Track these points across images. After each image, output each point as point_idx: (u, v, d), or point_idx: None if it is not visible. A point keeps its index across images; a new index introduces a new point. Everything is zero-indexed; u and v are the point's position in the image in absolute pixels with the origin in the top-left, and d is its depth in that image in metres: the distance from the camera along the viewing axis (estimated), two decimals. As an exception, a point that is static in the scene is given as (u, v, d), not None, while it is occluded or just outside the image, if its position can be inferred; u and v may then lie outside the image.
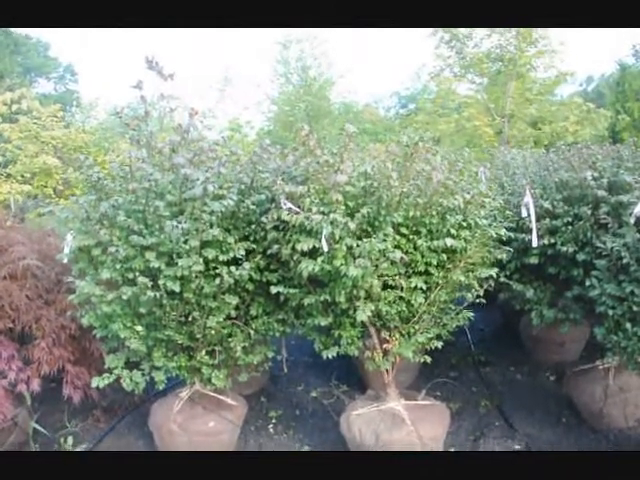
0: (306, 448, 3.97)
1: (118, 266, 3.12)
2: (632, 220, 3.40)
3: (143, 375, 3.45)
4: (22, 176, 7.58)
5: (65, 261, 3.43)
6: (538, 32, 13.29)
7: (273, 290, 3.26)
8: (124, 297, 3.06)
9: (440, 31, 14.14)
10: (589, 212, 3.85)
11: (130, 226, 3.11)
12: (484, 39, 13.97)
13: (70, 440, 4.05)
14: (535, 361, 5.37)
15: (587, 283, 3.56)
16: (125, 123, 3.44)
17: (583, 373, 4.13)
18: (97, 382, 3.34)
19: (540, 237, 3.92)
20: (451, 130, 14.43)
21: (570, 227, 3.93)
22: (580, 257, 3.87)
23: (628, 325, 3.29)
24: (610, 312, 3.36)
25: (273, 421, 4.45)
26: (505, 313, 6.30)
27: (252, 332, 3.61)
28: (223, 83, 15.29)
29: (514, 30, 13.18)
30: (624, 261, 3.29)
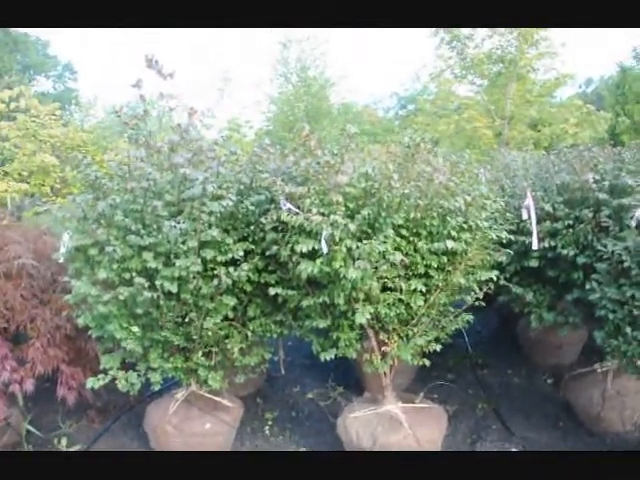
0: (302, 450, 3.93)
1: (115, 266, 3.09)
2: (633, 223, 3.38)
3: (139, 376, 3.41)
4: (19, 174, 7.52)
5: (61, 260, 3.39)
6: (539, 33, 13.26)
7: (271, 291, 3.23)
8: (121, 297, 3.02)
9: (441, 31, 14.10)
10: (590, 215, 3.83)
11: (128, 226, 3.08)
12: (485, 40, 13.92)
13: (64, 441, 4.01)
14: (532, 364, 5.35)
15: (587, 286, 3.54)
16: (124, 122, 3.41)
17: (581, 376, 4.12)
18: (92, 383, 3.30)
19: (540, 240, 3.89)
20: (450, 131, 14.39)
21: (571, 230, 3.90)
22: (580, 260, 3.85)
23: (628, 329, 3.27)
24: (610, 316, 3.34)
25: (269, 423, 4.42)
26: (503, 316, 6.27)
27: (249, 333, 3.59)
28: (222, 83, 15.24)
29: (515, 31, 13.14)
30: (625, 265, 3.27)
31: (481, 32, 13.86)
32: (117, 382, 3.33)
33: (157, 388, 3.49)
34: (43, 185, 7.59)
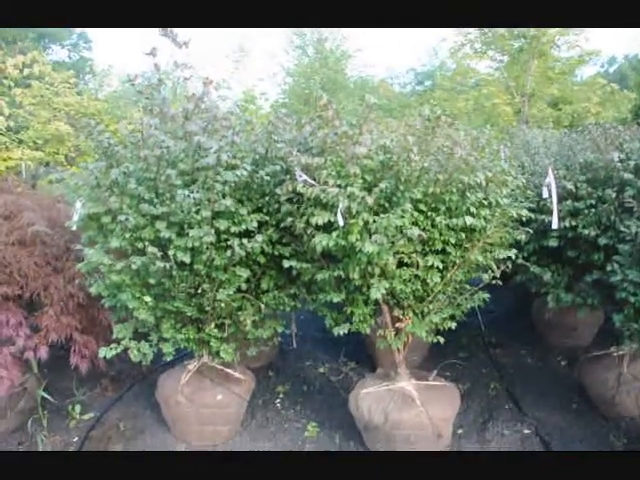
0: (313, 424, 3.93)
1: (127, 235, 3.06)
2: (658, 204, 3.28)
3: (151, 346, 3.41)
4: (34, 142, 7.46)
5: (74, 228, 3.36)
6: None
7: (285, 264, 3.18)
8: (133, 267, 2.99)
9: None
10: (613, 195, 3.72)
11: (141, 194, 3.03)
12: (507, 15, 13.55)
13: (78, 408, 4.05)
14: (546, 345, 5.30)
15: (608, 268, 3.45)
16: (138, 91, 3.35)
17: (596, 359, 4.05)
18: (104, 352, 3.29)
19: (561, 219, 3.80)
20: (469, 108, 14.15)
21: (593, 210, 3.81)
22: (602, 241, 3.75)
23: (649, 312, 3.19)
24: (631, 299, 3.26)
25: (280, 396, 4.42)
26: (517, 295, 6.21)
27: (262, 306, 3.55)
28: (238, 54, 15.01)
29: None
30: (648, 246, 3.18)
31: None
32: (129, 352, 3.33)
33: (169, 359, 3.48)
34: (57, 153, 7.54)
